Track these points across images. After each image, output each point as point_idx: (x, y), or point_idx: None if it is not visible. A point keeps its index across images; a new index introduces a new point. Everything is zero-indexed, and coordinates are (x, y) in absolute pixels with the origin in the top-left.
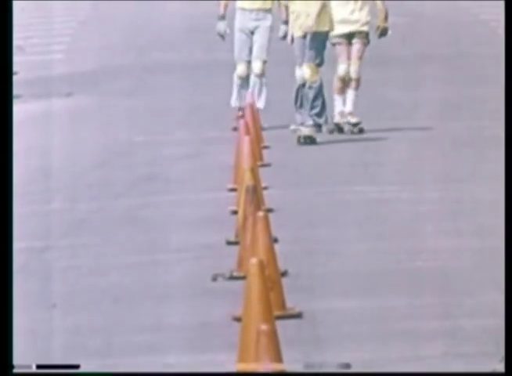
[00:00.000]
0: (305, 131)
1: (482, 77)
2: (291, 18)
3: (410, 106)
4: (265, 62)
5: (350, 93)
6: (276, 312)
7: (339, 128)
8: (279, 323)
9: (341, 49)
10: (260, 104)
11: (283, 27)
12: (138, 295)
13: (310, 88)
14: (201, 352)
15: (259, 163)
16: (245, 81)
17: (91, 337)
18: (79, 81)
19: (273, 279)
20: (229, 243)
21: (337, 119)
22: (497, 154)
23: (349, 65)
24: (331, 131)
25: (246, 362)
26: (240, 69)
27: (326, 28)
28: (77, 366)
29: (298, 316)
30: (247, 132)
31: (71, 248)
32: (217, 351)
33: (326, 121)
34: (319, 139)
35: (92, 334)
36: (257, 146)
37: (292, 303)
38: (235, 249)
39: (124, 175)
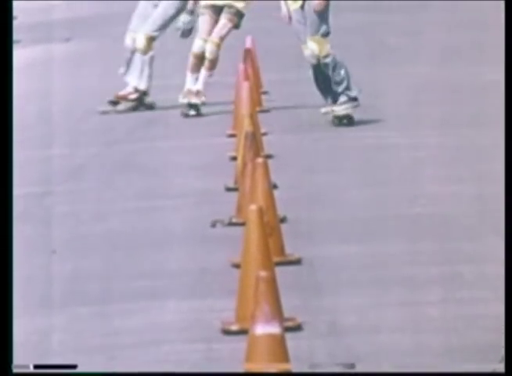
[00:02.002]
0: (340, 110)
1: (482, 23)
2: None
3: (410, 51)
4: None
5: (202, 72)
6: (275, 259)
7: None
8: (278, 270)
9: (203, 21)
10: None
11: None
12: (138, 241)
13: (325, 65)
14: (200, 298)
15: (258, 109)
16: None
17: (91, 283)
18: (79, 26)
19: (272, 225)
20: (228, 189)
21: (180, 98)
22: (497, 100)
23: (206, 42)
24: (185, 115)
25: (246, 308)
26: None
27: None
28: (74, 366)
29: (297, 262)
30: (246, 78)
31: (70, 194)
32: (216, 297)
33: (360, 92)
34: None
35: (91, 280)
36: (257, 92)
37: (291, 249)
38: (234, 195)
39: (123, 121)
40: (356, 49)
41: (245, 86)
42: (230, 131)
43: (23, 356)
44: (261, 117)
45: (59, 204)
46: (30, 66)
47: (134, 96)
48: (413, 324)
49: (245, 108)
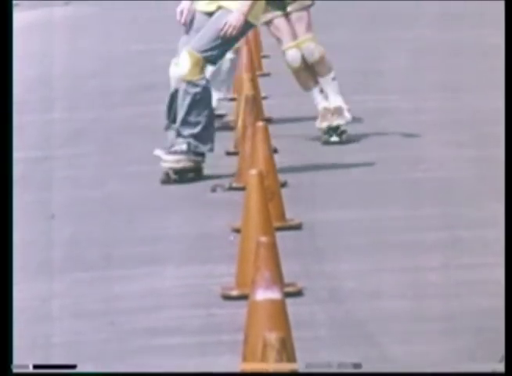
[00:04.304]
0: (170, 161)
1: None
2: None
3: (410, 15)
4: None
5: (323, 82)
6: (276, 224)
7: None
8: (278, 235)
9: (277, 27)
10: None
11: None
12: (137, 206)
13: (186, 93)
14: (200, 263)
15: (259, 72)
16: None
17: (90, 248)
18: None
19: (272, 190)
20: (228, 153)
21: (318, 123)
22: (497, 63)
23: (298, 47)
24: (325, 141)
25: (246, 273)
26: None
27: (254, 16)
28: (73, 366)
29: (298, 227)
30: (247, 42)
31: (70, 158)
32: (216, 262)
33: (211, 149)
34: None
35: (91, 245)
36: (257, 56)
37: (291, 214)
38: (234, 159)
39: (123, 84)
40: (356, 14)
41: (245, 50)
42: (230, 95)
43: (23, 323)
44: (261, 80)
45: (59, 169)
46: (29, 30)
47: None
48: (414, 290)
49: (245, 72)
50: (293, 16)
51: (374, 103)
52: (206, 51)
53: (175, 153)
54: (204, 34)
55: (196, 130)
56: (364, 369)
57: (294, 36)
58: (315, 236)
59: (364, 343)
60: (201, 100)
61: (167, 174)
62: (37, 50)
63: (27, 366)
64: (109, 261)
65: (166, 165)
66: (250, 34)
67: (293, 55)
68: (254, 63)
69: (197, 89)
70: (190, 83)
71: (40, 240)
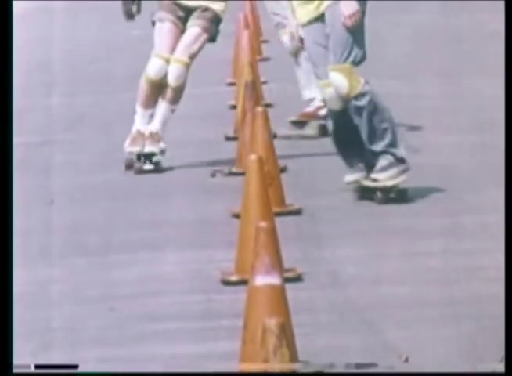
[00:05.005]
0: (385, 178)
1: None
2: (293, 3)
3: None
4: None
5: (162, 107)
6: (275, 209)
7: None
8: (278, 220)
9: (163, 31)
10: None
11: None
12: (137, 191)
13: (357, 109)
14: (200, 248)
15: (258, 57)
16: None
17: (90, 234)
18: None
19: (272, 175)
20: (228, 138)
21: (127, 146)
22: (497, 49)
23: (168, 61)
24: (138, 170)
25: (245, 259)
26: None
27: None
28: (75, 366)
29: (297, 212)
30: (246, 26)
31: (69, 144)
32: (215, 247)
33: (411, 149)
34: None
35: (91, 231)
36: (257, 40)
37: (291, 200)
38: (234, 144)
39: (123, 70)
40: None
41: (245, 34)
42: (230, 80)
43: (22, 308)
44: (261, 65)
45: (59, 154)
46: (30, 15)
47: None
48: (414, 275)
49: (245, 56)
50: (188, 31)
51: (375, 88)
52: (349, 56)
53: (384, 169)
54: (337, 43)
55: (388, 138)
56: (364, 367)
57: (172, 49)
58: (314, 222)
59: (363, 329)
60: (376, 105)
61: (378, 197)
62: (37, 36)
63: (28, 366)
64: (109, 246)
65: (383, 184)
66: (250, 18)
67: (155, 65)
68: (253, 47)
69: (368, 97)
70: (357, 96)
71: (39, 226)
